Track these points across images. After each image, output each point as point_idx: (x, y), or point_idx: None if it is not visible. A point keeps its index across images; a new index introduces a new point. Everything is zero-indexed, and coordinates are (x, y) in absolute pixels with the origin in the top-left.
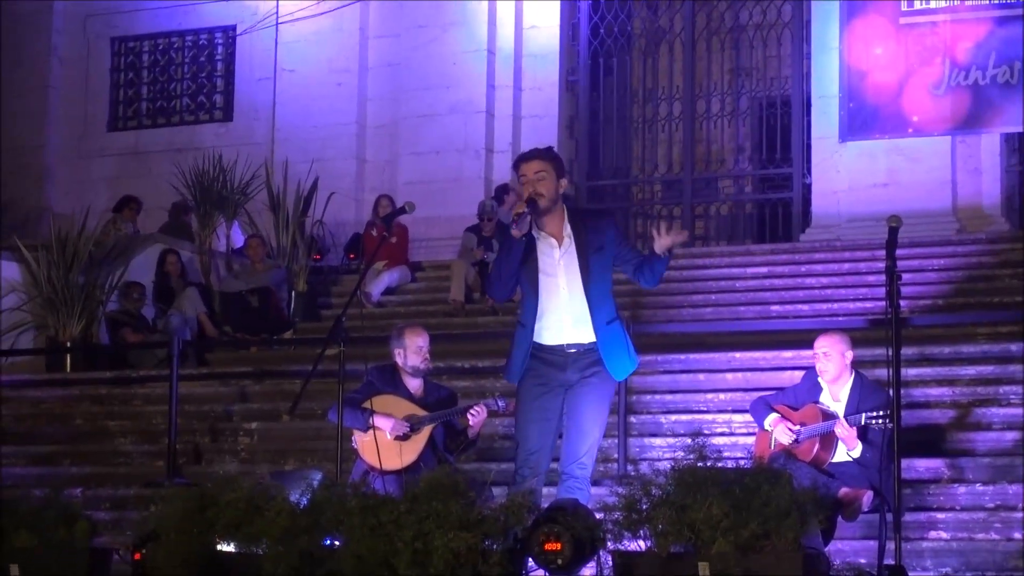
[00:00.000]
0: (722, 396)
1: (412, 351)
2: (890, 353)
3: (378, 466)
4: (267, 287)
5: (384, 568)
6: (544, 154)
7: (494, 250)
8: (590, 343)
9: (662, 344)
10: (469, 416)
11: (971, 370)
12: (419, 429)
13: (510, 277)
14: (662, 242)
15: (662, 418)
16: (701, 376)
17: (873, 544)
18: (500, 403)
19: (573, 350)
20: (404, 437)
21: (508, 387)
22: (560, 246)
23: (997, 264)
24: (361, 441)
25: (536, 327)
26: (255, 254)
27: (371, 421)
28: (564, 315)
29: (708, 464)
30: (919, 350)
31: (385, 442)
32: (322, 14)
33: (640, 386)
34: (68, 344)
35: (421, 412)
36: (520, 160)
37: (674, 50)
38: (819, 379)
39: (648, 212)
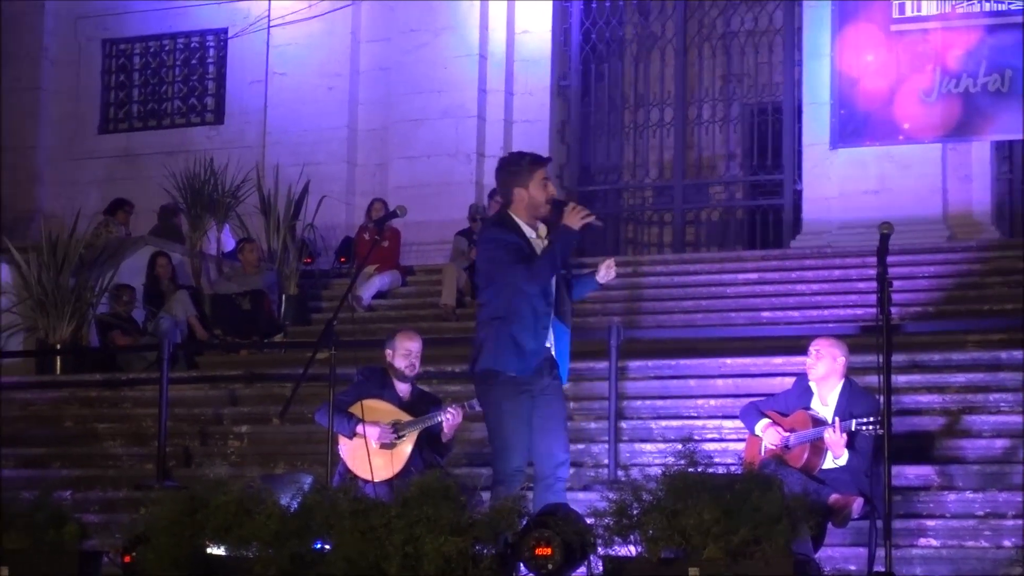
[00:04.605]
0: (712, 402)
1: (400, 354)
2: (881, 360)
3: (370, 478)
4: (259, 290)
5: (374, 572)
6: None
7: None
8: (549, 346)
9: (653, 350)
10: (444, 419)
11: (961, 377)
12: (404, 436)
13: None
14: (607, 274)
15: (652, 424)
16: (692, 382)
17: (863, 551)
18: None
19: (543, 354)
20: (390, 445)
21: None
22: None
23: (987, 272)
24: (351, 453)
25: (534, 327)
26: (249, 259)
27: (357, 429)
28: (548, 317)
29: (699, 470)
30: (909, 357)
31: (375, 452)
32: (314, 18)
33: (631, 392)
34: (58, 346)
35: (406, 417)
36: (547, 162)
37: (666, 56)
38: (809, 383)
39: (639, 218)
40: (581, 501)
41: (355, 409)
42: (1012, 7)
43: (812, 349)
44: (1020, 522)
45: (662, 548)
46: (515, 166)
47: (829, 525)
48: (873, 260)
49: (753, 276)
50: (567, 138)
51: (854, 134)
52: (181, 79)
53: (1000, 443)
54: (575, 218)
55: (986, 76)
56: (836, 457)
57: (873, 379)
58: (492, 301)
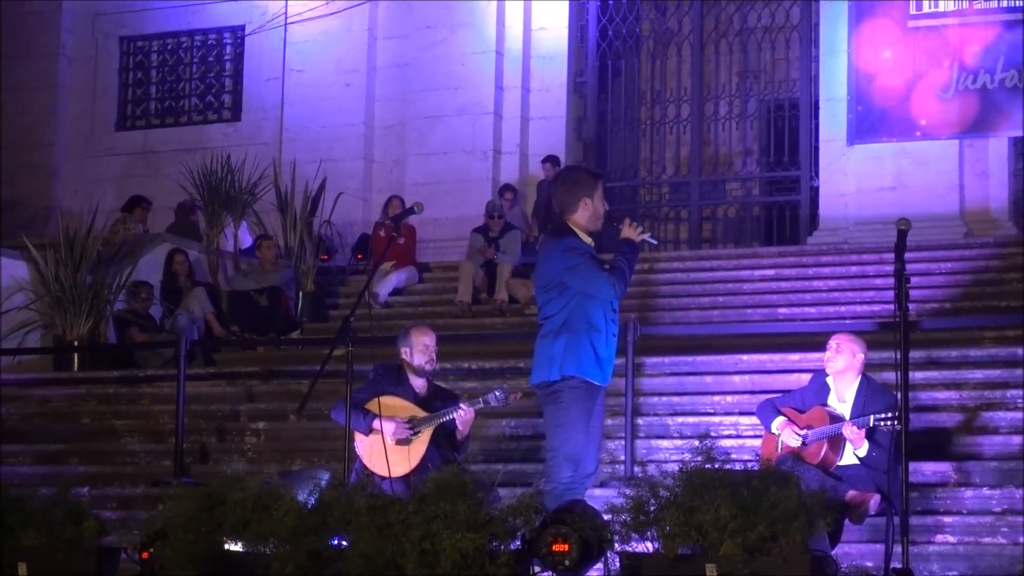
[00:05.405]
0: (729, 398)
1: (418, 350)
2: (898, 356)
3: (387, 474)
4: (276, 287)
5: (391, 568)
6: None
7: (502, 250)
8: None
9: (669, 346)
10: (456, 416)
11: (978, 374)
12: (420, 431)
13: None
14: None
15: (669, 420)
16: (708, 378)
17: (880, 547)
18: (498, 394)
19: (613, 362)
20: (406, 440)
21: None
22: None
23: (1004, 268)
24: (367, 450)
25: (606, 335)
26: (267, 255)
27: (374, 424)
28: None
29: (716, 466)
30: (926, 353)
31: (391, 448)
32: (331, 15)
33: (647, 388)
34: (75, 343)
35: (421, 413)
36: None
37: (682, 52)
38: (826, 379)
39: (655, 214)
40: (598, 497)
41: (371, 405)
42: None
43: (832, 343)
44: None
45: (679, 544)
46: (580, 176)
47: (846, 521)
48: (890, 256)
49: (770, 272)
50: (584, 134)
51: (871, 130)
52: (198, 76)
53: (1017, 439)
54: (633, 232)
55: (1003, 72)
56: (856, 449)
57: (890, 375)
58: (563, 310)
